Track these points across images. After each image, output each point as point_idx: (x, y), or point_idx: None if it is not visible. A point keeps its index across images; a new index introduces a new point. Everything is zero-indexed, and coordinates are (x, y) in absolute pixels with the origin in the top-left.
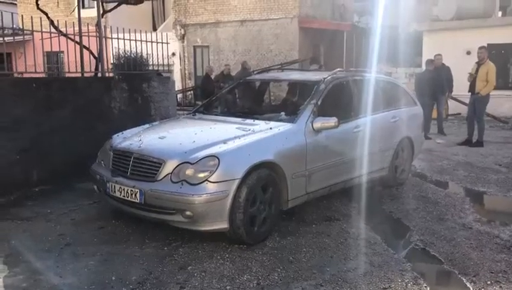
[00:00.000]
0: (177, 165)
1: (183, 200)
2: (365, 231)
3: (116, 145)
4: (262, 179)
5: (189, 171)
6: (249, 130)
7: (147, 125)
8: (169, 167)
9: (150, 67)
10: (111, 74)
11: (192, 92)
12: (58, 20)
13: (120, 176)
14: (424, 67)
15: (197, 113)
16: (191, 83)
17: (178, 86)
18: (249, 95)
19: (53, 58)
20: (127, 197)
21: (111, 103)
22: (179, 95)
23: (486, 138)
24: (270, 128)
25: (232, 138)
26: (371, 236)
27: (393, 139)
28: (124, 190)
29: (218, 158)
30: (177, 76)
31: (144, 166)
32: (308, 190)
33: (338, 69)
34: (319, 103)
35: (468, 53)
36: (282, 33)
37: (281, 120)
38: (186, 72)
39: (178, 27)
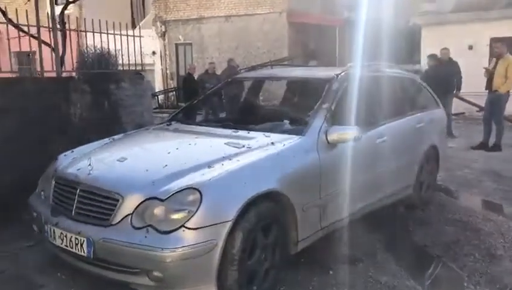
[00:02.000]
0: (141, 203)
1: (149, 255)
2: (401, 280)
3: (61, 170)
4: (264, 217)
5: (158, 211)
6: (243, 146)
7: (106, 140)
8: (129, 204)
9: (128, 66)
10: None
11: (174, 93)
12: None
13: (62, 215)
14: (422, 63)
15: (173, 122)
16: (173, 84)
17: (159, 86)
18: (240, 97)
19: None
20: (71, 247)
21: (70, 109)
22: (161, 97)
23: (503, 141)
24: (272, 143)
25: (220, 160)
26: (411, 288)
27: (419, 150)
28: (66, 237)
29: (200, 191)
30: (158, 76)
31: (95, 203)
32: (323, 223)
33: (351, 63)
34: (333, 107)
35: (470, 48)
36: (270, 29)
37: (285, 131)
38: (168, 71)
39: (158, 24)
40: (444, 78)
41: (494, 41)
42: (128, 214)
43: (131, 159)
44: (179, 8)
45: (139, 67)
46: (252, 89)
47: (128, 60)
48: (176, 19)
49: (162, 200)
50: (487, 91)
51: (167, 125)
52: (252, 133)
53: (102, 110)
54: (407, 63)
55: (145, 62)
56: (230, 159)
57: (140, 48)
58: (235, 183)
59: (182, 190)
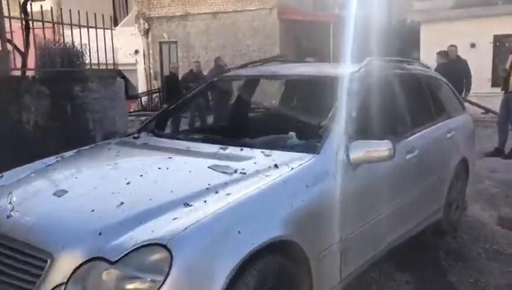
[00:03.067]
0: (80, 265)
1: None
2: None
3: None
4: (266, 280)
5: (106, 279)
6: (236, 171)
7: (50, 159)
8: (62, 267)
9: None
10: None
11: (158, 94)
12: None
13: None
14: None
15: (143, 134)
16: (157, 84)
17: (143, 87)
18: (230, 101)
19: None
20: None
21: (22, 115)
22: (144, 98)
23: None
24: (275, 165)
25: (203, 194)
26: None
27: (450, 164)
28: None
29: (169, 250)
30: (141, 76)
31: (13, 264)
32: (344, 273)
33: (370, 58)
34: (353, 113)
35: (473, 46)
36: (260, 26)
37: (291, 148)
38: (152, 71)
39: (141, 21)
40: (454, 77)
41: (497, 38)
42: (61, 284)
43: (73, 193)
44: (163, 4)
45: (126, 67)
46: (244, 91)
47: (98, 58)
48: (159, 16)
49: (112, 263)
50: (503, 92)
51: (134, 138)
52: (247, 151)
53: (64, 116)
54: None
55: (128, 61)
56: (216, 193)
57: (112, 42)
58: (224, 233)
59: (143, 246)
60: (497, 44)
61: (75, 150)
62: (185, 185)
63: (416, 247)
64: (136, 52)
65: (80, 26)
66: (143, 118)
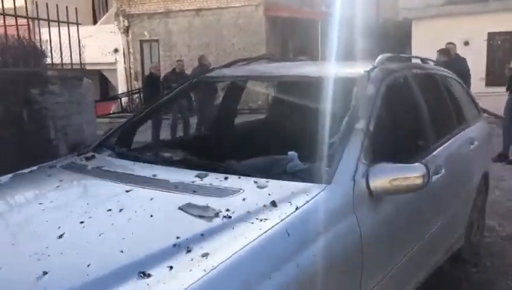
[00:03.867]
0: None
1: None
2: None
3: None
4: None
5: None
6: (217, 215)
7: None
8: None
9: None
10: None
11: (139, 95)
12: None
13: None
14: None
15: (100, 153)
16: (138, 85)
17: (123, 88)
18: (213, 102)
19: None
20: None
21: None
22: (124, 99)
23: None
24: (273, 203)
25: (167, 255)
26: None
27: (473, 181)
28: None
29: None
30: (121, 76)
31: None
32: None
33: (385, 55)
34: (371, 126)
35: (466, 44)
36: (245, 23)
37: (293, 175)
38: (132, 71)
39: (121, 18)
40: (457, 75)
41: (492, 36)
42: None
43: None
44: (144, 0)
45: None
46: (229, 96)
47: (61, 57)
48: (140, 13)
49: None
50: (507, 92)
51: (87, 159)
52: (234, 181)
53: (20, 123)
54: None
55: (107, 61)
56: (188, 252)
57: (79, 39)
58: None
59: None
60: (491, 42)
61: (11, 175)
62: (143, 240)
63: (438, 283)
64: (116, 50)
65: (38, 19)
66: (123, 121)
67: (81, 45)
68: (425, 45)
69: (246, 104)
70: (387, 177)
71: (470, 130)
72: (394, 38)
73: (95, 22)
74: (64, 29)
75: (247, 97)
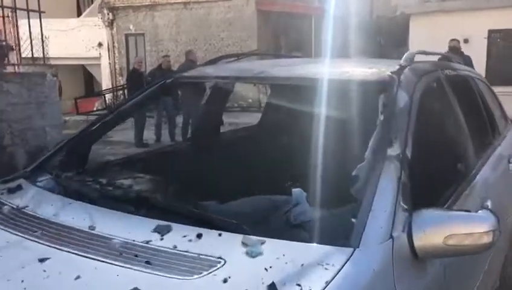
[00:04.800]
0: None
1: None
2: None
3: None
4: None
5: None
6: None
7: None
8: None
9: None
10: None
11: (123, 91)
12: None
13: None
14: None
15: (26, 185)
16: (122, 80)
17: (107, 84)
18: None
19: None
20: None
21: None
22: (108, 96)
23: None
24: (272, 287)
25: None
26: None
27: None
28: None
29: None
30: (105, 72)
31: None
32: None
33: (413, 50)
34: (408, 151)
35: (466, 41)
36: (236, 18)
37: (300, 229)
38: (117, 66)
39: (105, 11)
40: None
41: (492, 33)
42: None
43: None
44: None
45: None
46: (212, 100)
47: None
48: (125, 6)
49: None
50: None
51: (10, 191)
52: (209, 240)
53: None
54: (394, 58)
55: (91, 55)
56: None
57: (41, 30)
58: None
59: None
60: (492, 39)
61: None
62: None
63: None
64: (100, 45)
65: None
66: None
67: (44, 36)
68: (424, 41)
69: (236, 102)
70: (441, 232)
71: (505, 143)
72: (389, 34)
73: (79, 15)
74: (36, 21)
75: (236, 95)
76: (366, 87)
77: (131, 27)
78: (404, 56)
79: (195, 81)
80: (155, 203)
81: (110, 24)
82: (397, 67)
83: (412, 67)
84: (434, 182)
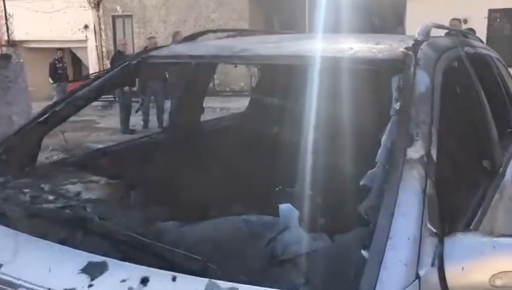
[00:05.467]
0: None
1: None
2: None
3: None
4: None
5: None
6: None
7: None
8: None
9: None
10: None
11: None
12: None
13: None
14: None
15: None
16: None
17: (94, 67)
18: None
19: None
20: None
21: None
22: None
23: None
24: None
25: None
26: None
27: None
28: None
29: None
30: (92, 55)
31: None
32: None
33: (428, 23)
34: (433, 152)
35: (465, 21)
36: None
37: (291, 267)
38: (104, 49)
39: None
40: None
41: (493, 13)
42: None
43: None
44: None
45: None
46: (190, 86)
47: None
48: None
49: None
50: None
51: None
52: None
53: None
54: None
55: (77, 38)
56: None
57: (5, 9)
58: None
59: None
60: (492, 19)
61: None
62: None
63: None
64: (86, 27)
65: None
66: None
67: (7, 14)
68: (419, 21)
69: (228, 86)
70: (487, 268)
71: None
72: (384, 15)
73: None
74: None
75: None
76: (375, 67)
77: (118, 8)
78: (419, 29)
79: (166, 61)
80: (91, 226)
81: (97, 5)
82: (411, 42)
83: (429, 42)
84: (462, 187)
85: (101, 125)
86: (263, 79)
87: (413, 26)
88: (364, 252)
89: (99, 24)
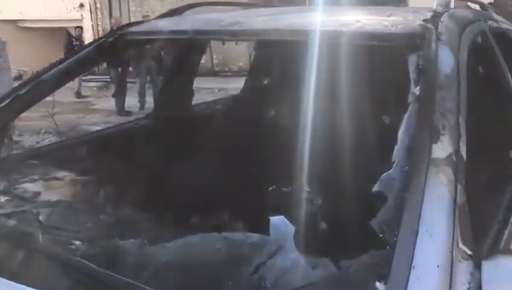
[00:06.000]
0: None
1: None
2: None
3: None
4: None
5: None
6: None
7: None
8: None
9: None
10: None
11: None
12: None
13: None
14: None
15: None
16: None
17: None
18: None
19: None
20: None
21: None
22: None
23: None
24: None
25: None
26: None
27: None
28: None
29: None
30: (88, 34)
31: None
32: None
33: None
34: (462, 150)
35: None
36: None
37: None
38: (100, 28)
39: None
40: None
41: None
42: None
43: None
44: None
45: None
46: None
47: None
48: None
49: None
50: None
51: None
52: None
53: None
54: None
55: (72, 17)
56: None
57: None
58: None
59: None
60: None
61: None
62: None
63: None
64: (81, 6)
65: None
66: (91, 84)
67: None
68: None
69: (227, 66)
70: None
71: None
72: None
73: None
74: None
75: (226, 57)
76: (388, 44)
77: None
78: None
79: (146, 38)
80: (33, 245)
81: None
82: (430, 14)
83: (450, 14)
84: (494, 192)
85: (96, 107)
86: (258, 58)
87: (416, 4)
88: (380, 285)
89: (95, 3)
